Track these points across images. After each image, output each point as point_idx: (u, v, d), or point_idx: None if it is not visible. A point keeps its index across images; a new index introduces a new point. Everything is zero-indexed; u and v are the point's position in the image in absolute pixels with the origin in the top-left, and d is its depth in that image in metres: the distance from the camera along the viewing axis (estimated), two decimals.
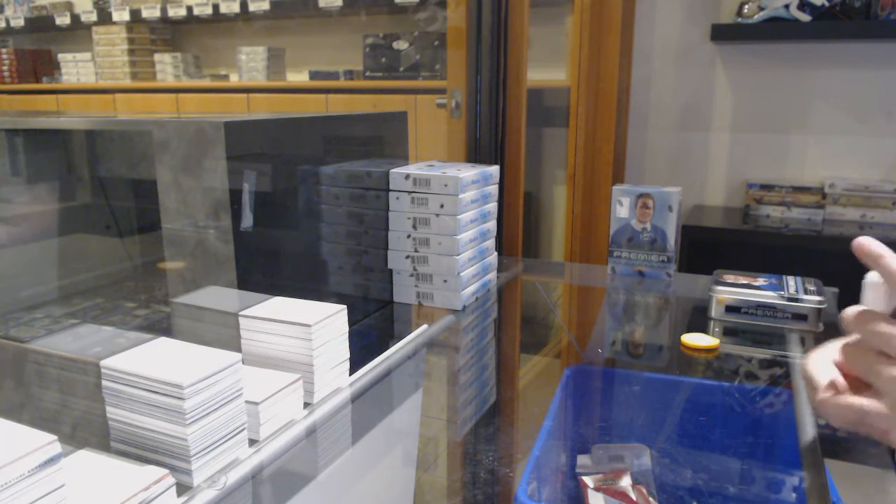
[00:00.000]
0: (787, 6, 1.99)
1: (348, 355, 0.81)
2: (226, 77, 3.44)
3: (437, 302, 1.13)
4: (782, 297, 1.05)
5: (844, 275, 1.24)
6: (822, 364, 0.53)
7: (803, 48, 2.16)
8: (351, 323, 0.81)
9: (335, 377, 0.79)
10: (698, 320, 1.13)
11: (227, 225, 0.78)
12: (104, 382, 0.61)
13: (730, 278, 1.14)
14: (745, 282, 1.11)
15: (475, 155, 1.63)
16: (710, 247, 2.04)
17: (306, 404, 0.75)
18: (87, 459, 0.58)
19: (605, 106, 2.16)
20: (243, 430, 0.65)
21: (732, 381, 0.86)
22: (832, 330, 1.04)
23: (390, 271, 1.15)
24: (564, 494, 0.75)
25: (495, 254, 1.26)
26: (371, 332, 1.04)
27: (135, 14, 3.46)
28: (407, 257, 1.12)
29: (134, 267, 1.13)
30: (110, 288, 1.08)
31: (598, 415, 0.88)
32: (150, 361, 0.61)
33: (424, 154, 1.48)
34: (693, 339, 1.01)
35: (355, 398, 0.81)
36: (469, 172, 1.10)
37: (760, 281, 1.12)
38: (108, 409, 0.62)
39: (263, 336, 0.77)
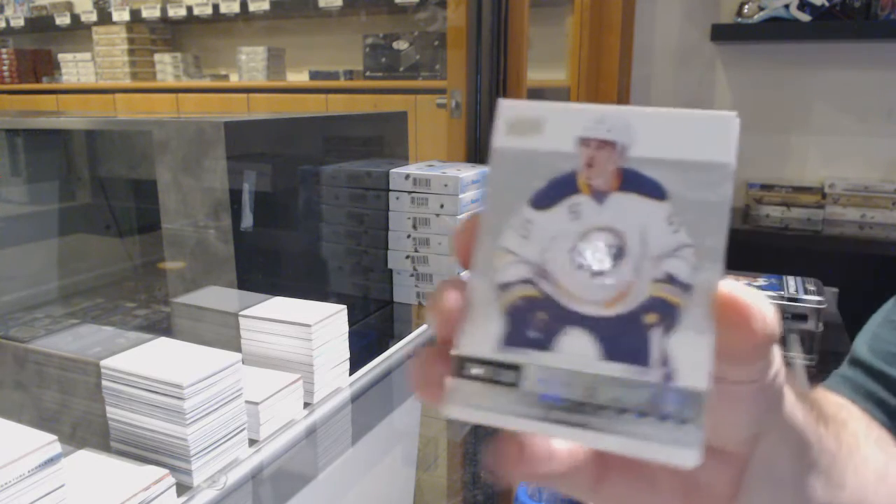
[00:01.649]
0: (787, 6, 1.99)
1: (348, 355, 0.81)
2: (226, 77, 3.44)
3: None
4: (782, 297, 1.05)
5: (844, 275, 1.25)
6: None
7: (803, 48, 2.16)
8: (351, 323, 0.81)
9: (335, 377, 0.79)
10: None
11: (227, 225, 0.78)
12: (104, 382, 0.61)
13: (730, 278, 1.14)
14: (744, 282, 1.11)
15: (475, 155, 1.62)
16: None
17: (306, 404, 0.75)
18: (87, 459, 0.58)
19: None
20: (243, 430, 0.65)
21: None
22: (832, 330, 1.04)
23: (390, 271, 1.15)
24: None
25: None
26: (371, 332, 1.04)
27: (135, 14, 3.45)
28: (407, 257, 1.12)
29: (134, 267, 1.13)
30: (110, 288, 1.08)
31: None
32: (150, 361, 0.61)
33: (424, 154, 1.48)
34: None
35: (355, 398, 0.81)
36: (469, 172, 1.11)
37: (760, 281, 1.12)
38: (108, 409, 0.62)
39: (263, 336, 0.77)
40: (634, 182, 0.22)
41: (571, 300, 0.22)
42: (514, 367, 0.22)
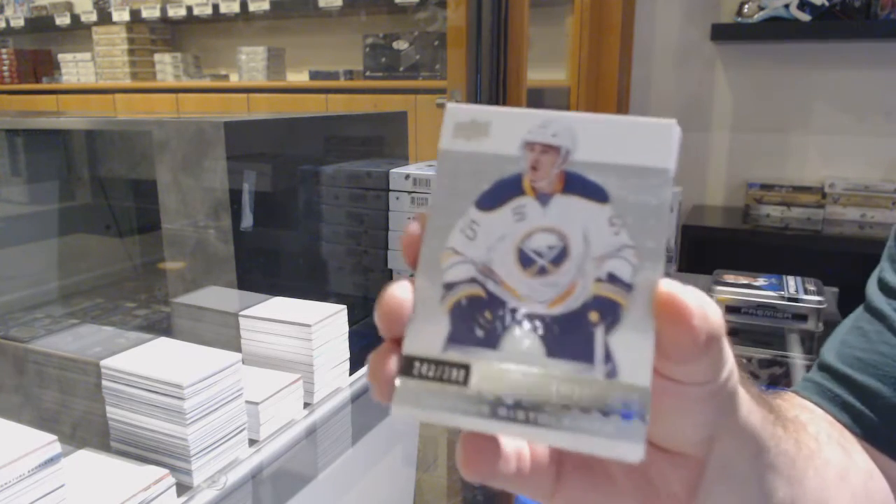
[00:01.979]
0: (787, 6, 1.99)
1: (348, 355, 0.81)
2: (226, 77, 3.44)
3: None
4: (782, 297, 1.05)
5: (844, 275, 1.24)
6: None
7: (803, 48, 2.16)
8: (351, 323, 0.81)
9: (335, 377, 0.79)
10: None
11: (227, 225, 0.78)
12: (104, 382, 0.61)
13: (730, 278, 1.14)
14: (745, 282, 1.11)
15: None
16: (710, 247, 2.04)
17: (306, 404, 0.75)
18: (87, 459, 0.58)
19: (605, 106, 2.16)
20: (243, 430, 0.65)
21: None
22: (832, 329, 1.03)
23: (390, 271, 1.14)
24: None
25: None
26: (371, 332, 1.04)
27: (135, 14, 3.45)
28: None
29: (134, 267, 1.13)
30: (110, 288, 1.08)
31: None
32: (150, 361, 0.61)
33: (424, 154, 1.48)
34: None
35: (355, 398, 0.81)
36: None
37: (760, 281, 1.11)
38: (108, 409, 0.62)
39: (263, 336, 0.77)
40: (578, 185, 0.23)
41: (516, 299, 0.22)
42: (461, 366, 0.22)
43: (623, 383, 0.21)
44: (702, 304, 0.22)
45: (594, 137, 0.23)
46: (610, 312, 0.22)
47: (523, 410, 0.21)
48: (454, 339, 0.22)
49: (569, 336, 0.22)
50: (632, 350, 0.21)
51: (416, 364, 0.22)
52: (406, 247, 0.24)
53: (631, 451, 0.20)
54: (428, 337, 0.22)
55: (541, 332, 0.22)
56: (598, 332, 0.21)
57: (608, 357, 0.21)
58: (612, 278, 0.22)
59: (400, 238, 0.24)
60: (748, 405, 0.28)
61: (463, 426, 0.22)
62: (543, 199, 0.23)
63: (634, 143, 0.23)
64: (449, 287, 0.23)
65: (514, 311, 0.22)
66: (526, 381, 0.21)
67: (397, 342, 0.23)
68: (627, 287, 0.22)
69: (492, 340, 0.22)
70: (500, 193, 0.23)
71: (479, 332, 0.22)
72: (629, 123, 0.23)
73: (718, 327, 0.22)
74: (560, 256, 0.22)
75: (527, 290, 0.22)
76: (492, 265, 0.23)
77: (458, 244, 0.23)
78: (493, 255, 0.23)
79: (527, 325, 0.22)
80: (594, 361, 0.21)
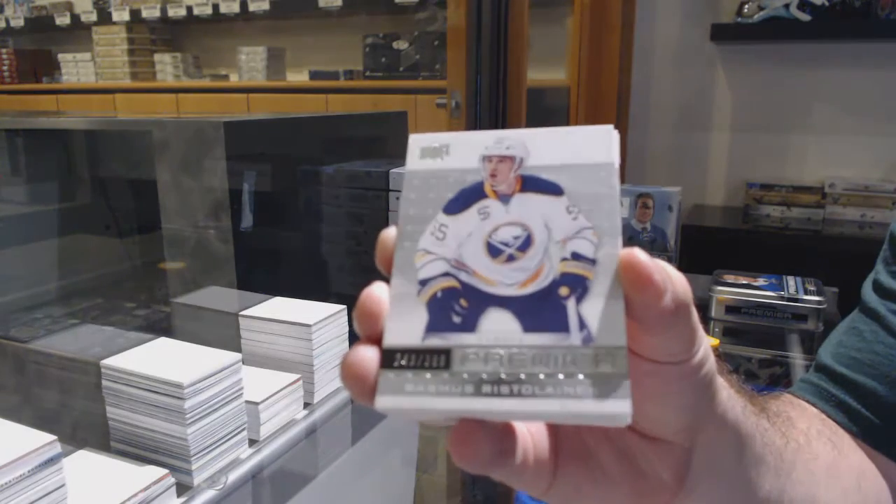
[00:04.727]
0: (787, 6, 1.99)
1: None
2: (226, 77, 3.44)
3: None
4: (782, 297, 1.05)
5: (844, 275, 1.24)
6: None
7: (803, 48, 2.16)
8: (351, 323, 0.81)
9: (335, 377, 0.79)
10: None
11: (227, 225, 0.78)
12: (104, 382, 0.61)
13: (730, 278, 1.14)
14: (745, 282, 1.11)
15: None
16: (710, 247, 2.03)
17: (306, 404, 0.75)
18: (87, 459, 0.58)
19: (605, 106, 2.16)
20: (243, 430, 0.65)
21: None
22: (832, 329, 1.03)
23: None
24: None
25: None
26: None
27: (135, 14, 3.45)
28: None
29: (134, 267, 1.13)
30: (110, 288, 1.08)
31: None
32: (150, 361, 0.61)
33: None
34: None
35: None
36: None
37: (760, 281, 1.12)
38: (108, 409, 0.62)
39: (263, 336, 0.77)
40: (534, 184, 0.25)
41: (489, 285, 0.24)
42: (442, 351, 0.23)
43: (600, 346, 0.22)
44: (661, 265, 0.23)
45: (543, 146, 0.25)
46: (578, 285, 0.23)
47: (507, 385, 0.22)
48: (433, 327, 0.23)
49: (542, 311, 0.23)
50: (603, 315, 0.22)
51: (398, 355, 0.23)
52: (380, 254, 0.25)
53: (619, 408, 0.21)
54: (407, 329, 0.23)
55: (515, 311, 0.23)
56: (570, 304, 0.23)
57: (582, 325, 0.22)
58: (577, 256, 0.23)
59: (375, 247, 0.25)
60: (728, 393, 0.29)
61: (448, 408, 0.22)
62: (504, 199, 0.25)
63: (579, 147, 0.25)
64: (424, 282, 0.24)
65: (488, 295, 0.23)
66: (506, 357, 0.22)
67: (374, 341, 0.23)
68: (591, 262, 0.23)
69: (469, 324, 0.23)
70: (465, 199, 0.25)
71: (457, 319, 0.23)
72: (573, 131, 0.25)
73: (684, 292, 0.24)
74: (526, 244, 0.24)
75: (498, 276, 0.24)
76: (463, 259, 0.24)
77: (429, 245, 0.24)
78: (464, 250, 0.24)
79: (502, 306, 0.23)
80: (569, 330, 0.22)
